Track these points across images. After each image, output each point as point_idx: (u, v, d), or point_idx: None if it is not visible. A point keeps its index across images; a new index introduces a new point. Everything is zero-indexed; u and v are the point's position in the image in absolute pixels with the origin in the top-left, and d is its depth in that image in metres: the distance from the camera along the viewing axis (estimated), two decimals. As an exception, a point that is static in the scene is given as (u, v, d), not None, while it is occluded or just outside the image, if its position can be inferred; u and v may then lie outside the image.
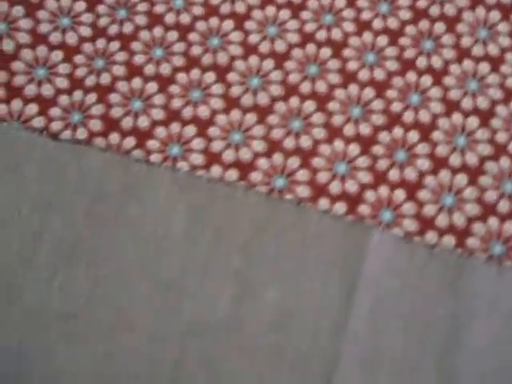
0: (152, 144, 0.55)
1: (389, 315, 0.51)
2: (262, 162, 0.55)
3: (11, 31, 0.58)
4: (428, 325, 0.51)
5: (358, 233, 0.53)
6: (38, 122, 0.55)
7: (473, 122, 0.57)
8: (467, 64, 0.58)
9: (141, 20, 0.59)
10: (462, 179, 0.55)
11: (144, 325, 0.50)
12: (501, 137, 0.56)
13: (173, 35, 0.59)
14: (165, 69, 0.58)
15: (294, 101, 0.57)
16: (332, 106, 0.57)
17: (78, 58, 0.57)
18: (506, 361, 0.49)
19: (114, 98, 0.56)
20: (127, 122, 0.56)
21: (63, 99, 0.56)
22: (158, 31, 0.59)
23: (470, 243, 0.53)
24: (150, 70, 0.57)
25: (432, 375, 0.50)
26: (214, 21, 0.60)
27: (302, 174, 0.55)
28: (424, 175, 0.55)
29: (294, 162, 0.55)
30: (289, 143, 0.56)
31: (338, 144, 0.56)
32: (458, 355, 0.50)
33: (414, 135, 0.56)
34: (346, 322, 0.51)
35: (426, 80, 0.58)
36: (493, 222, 0.54)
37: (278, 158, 0.55)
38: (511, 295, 0.51)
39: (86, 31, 0.58)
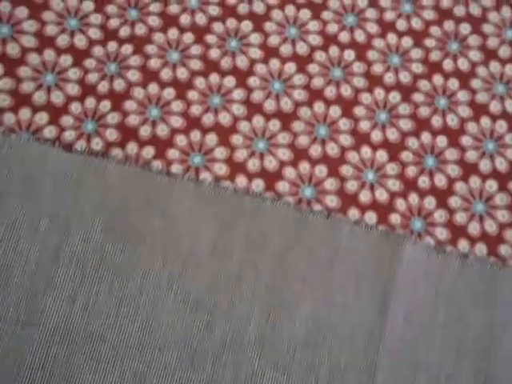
0: (172, 154, 0.55)
1: (424, 326, 0.52)
2: (289, 171, 0.56)
3: (15, 34, 0.57)
4: (463, 334, 0.52)
5: (390, 243, 0.53)
6: (49, 132, 0.54)
7: (502, 126, 0.58)
8: (494, 66, 0.60)
9: (154, 21, 0.59)
10: (491, 185, 0.57)
11: (174, 343, 0.50)
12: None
13: (189, 37, 0.59)
14: (182, 73, 0.57)
15: (319, 106, 0.57)
16: (358, 111, 0.58)
17: (89, 63, 0.57)
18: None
19: (129, 105, 0.56)
20: (145, 131, 0.55)
21: (75, 107, 0.56)
22: (172, 33, 0.59)
23: (502, 251, 0.55)
24: (166, 74, 0.57)
25: (468, 381, 0.51)
26: (231, 22, 0.60)
27: (330, 183, 0.55)
28: (454, 182, 0.56)
29: (321, 170, 0.56)
30: (315, 151, 0.56)
31: (366, 151, 0.57)
32: (494, 364, 0.51)
33: (442, 140, 0.57)
34: (381, 335, 0.51)
35: (453, 83, 0.59)
36: (523, 228, 0.56)
37: (304, 166, 0.56)
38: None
39: (95, 34, 0.58)
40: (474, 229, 0.54)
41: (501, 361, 0.51)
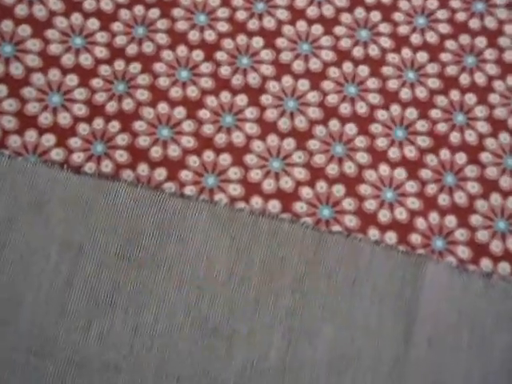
0: (185, 175, 0.58)
1: (448, 349, 0.56)
2: (306, 191, 0.59)
3: (18, 53, 0.60)
4: (489, 358, 0.56)
5: (412, 263, 0.57)
6: (57, 155, 0.58)
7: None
8: (511, 80, 0.64)
9: (162, 39, 0.63)
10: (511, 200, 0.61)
11: (193, 373, 0.52)
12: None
13: (198, 54, 0.62)
14: (192, 92, 0.61)
15: (334, 123, 0.61)
16: (374, 127, 0.61)
17: (96, 82, 0.60)
18: None
19: (139, 125, 0.59)
20: (156, 152, 0.59)
21: (82, 128, 0.59)
22: (181, 50, 0.62)
23: (526, 269, 0.59)
24: (176, 92, 0.61)
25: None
26: (241, 38, 0.63)
27: (349, 203, 0.59)
28: (474, 199, 0.60)
29: (338, 189, 0.59)
30: (332, 170, 0.60)
31: (384, 169, 0.61)
32: (520, 387, 0.55)
33: (461, 157, 0.61)
34: (405, 358, 0.55)
35: (470, 98, 0.63)
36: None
37: (321, 185, 0.60)
38: None
39: (101, 52, 0.61)
40: (496, 247, 0.58)
41: (528, 383, 0.55)
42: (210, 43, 0.62)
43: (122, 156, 0.58)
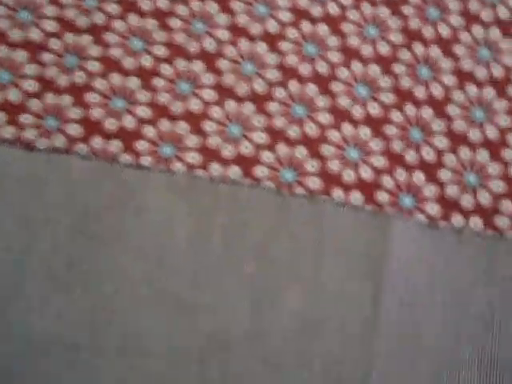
0: (141, 145, 0.57)
1: (421, 308, 0.54)
2: (266, 155, 0.58)
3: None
4: (464, 315, 0.54)
5: (379, 223, 0.56)
6: (8, 132, 0.57)
7: (489, 92, 0.61)
8: None
9: (114, 9, 0.62)
10: (483, 155, 0.59)
11: (157, 347, 0.52)
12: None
13: (153, 23, 0.61)
14: (145, 60, 0.59)
15: (294, 84, 0.59)
16: (336, 86, 0.59)
17: (46, 57, 0.59)
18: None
19: (92, 97, 0.58)
20: (111, 124, 0.58)
21: (34, 103, 0.58)
22: (134, 20, 0.61)
23: (499, 223, 0.57)
24: (129, 62, 0.59)
25: (472, 363, 0.53)
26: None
27: (312, 165, 0.58)
28: (443, 154, 0.59)
29: (300, 151, 0.58)
30: (293, 132, 0.58)
31: (347, 128, 0.59)
32: (497, 343, 0.54)
33: (427, 111, 0.60)
34: (376, 320, 0.53)
35: (435, 51, 0.62)
36: (520, 197, 0.58)
37: (283, 148, 0.58)
38: (550, 276, 0.56)
39: (50, 26, 0.60)
40: (467, 202, 0.57)
41: (505, 339, 0.53)
42: (163, 11, 0.61)
43: (75, 129, 0.57)
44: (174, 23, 0.60)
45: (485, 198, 0.57)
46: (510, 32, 0.62)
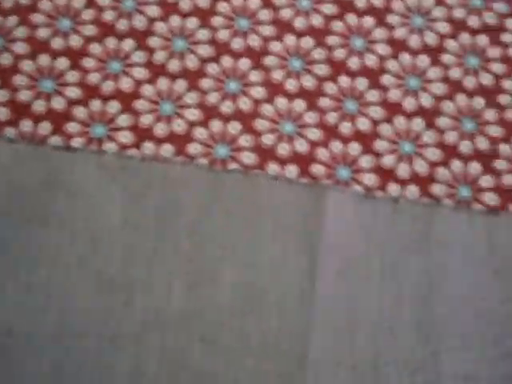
0: (71, 127, 0.56)
1: (358, 279, 0.55)
2: (199, 132, 0.58)
3: None
4: (401, 283, 0.55)
5: (314, 195, 0.56)
6: None
7: (423, 60, 0.61)
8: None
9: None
10: (418, 123, 0.59)
11: (92, 328, 0.51)
12: (454, 75, 0.61)
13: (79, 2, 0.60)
14: (74, 40, 0.59)
15: (227, 60, 0.59)
16: (270, 60, 0.59)
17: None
18: (481, 307, 0.54)
19: (20, 80, 0.57)
20: (40, 105, 0.57)
21: (-40, 89, 0.57)
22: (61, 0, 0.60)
23: (435, 190, 0.58)
24: (57, 43, 0.58)
25: (411, 330, 0.53)
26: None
27: (245, 140, 0.58)
28: (378, 124, 0.59)
29: (234, 126, 0.58)
30: (227, 108, 0.58)
31: (281, 101, 0.59)
32: (435, 310, 0.54)
33: (361, 82, 0.60)
34: (313, 293, 0.53)
35: (367, 21, 0.62)
36: (456, 164, 0.59)
37: (216, 124, 0.58)
38: (483, 240, 0.56)
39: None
40: (403, 170, 0.57)
41: (441, 305, 0.54)
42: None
43: (2, 113, 0.56)
44: (103, 1, 0.60)
45: (421, 166, 0.57)
46: (444, 2, 0.62)
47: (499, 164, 0.58)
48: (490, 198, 0.56)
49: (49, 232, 0.53)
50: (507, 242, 0.56)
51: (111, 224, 0.53)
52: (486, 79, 0.60)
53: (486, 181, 0.57)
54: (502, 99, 0.59)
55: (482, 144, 0.58)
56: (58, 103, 0.56)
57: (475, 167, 0.57)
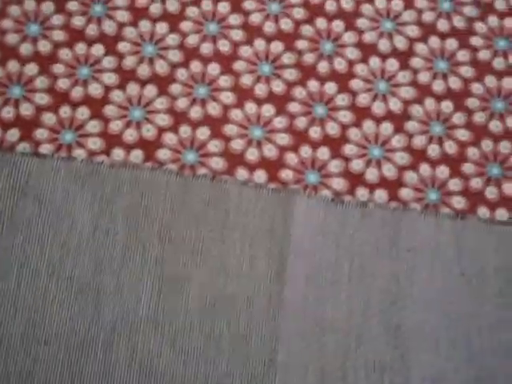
0: (40, 134, 0.56)
1: (327, 283, 0.55)
2: (169, 137, 0.58)
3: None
4: (370, 288, 0.55)
5: (282, 200, 0.56)
6: None
7: (393, 64, 0.62)
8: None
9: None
10: (387, 128, 0.60)
11: (60, 335, 0.52)
12: (423, 79, 0.61)
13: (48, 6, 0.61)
14: (44, 46, 0.59)
15: (196, 65, 0.59)
16: (239, 65, 0.60)
17: None
18: (449, 311, 0.54)
19: (-12, 86, 0.57)
20: (7, 112, 0.56)
21: None
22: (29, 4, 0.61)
23: (403, 194, 0.58)
24: (25, 48, 0.59)
25: (379, 334, 0.54)
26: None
27: (215, 145, 0.58)
28: (347, 128, 0.59)
29: (203, 132, 0.58)
30: (195, 113, 0.58)
31: (250, 106, 0.59)
32: (403, 314, 0.55)
33: (330, 86, 0.60)
34: (281, 297, 0.54)
35: (338, 25, 0.62)
36: (424, 168, 0.59)
37: (185, 130, 0.58)
38: (451, 244, 0.57)
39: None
40: (371, 174, 0.58)
41: (409, 309, 0.55)
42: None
43: (-29, 120, 0.56)
44: (72, 6, 0.60)
45: (389, 171, 0.58)
46: (413, 6, 0.63)
47: (467, 168, 0.58)
48: (458, 202, 0.57)
49: (17, 239, 0.53)
50: (475, 245, 0.56)
51: (81, 230, 0.54)
52: (455, 83, 0.60)
53: (455, 184, 0.58)
54: (470, 103, 0.60)
55: (451, 147, 0.59)
56: (26, 109, 0.56)
57: (443, 171, 0.58)
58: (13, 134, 0.55)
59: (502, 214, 0.57)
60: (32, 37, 0.58)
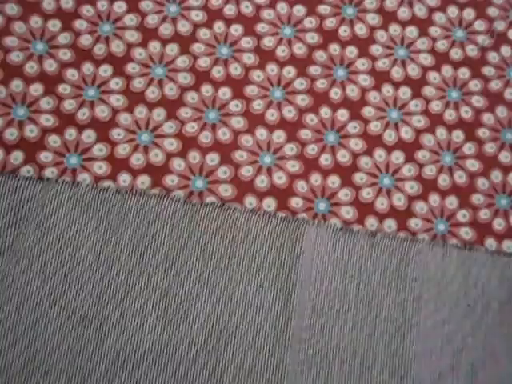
0: (45, 157, 0.52)
1: (333, 313, 0.51)
2: (177, 163, 0.53)
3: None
4: (376, 317, 0.51)
5: (291, 229, 0.52)
6: None
7: (406, 92, 0.57)
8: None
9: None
10: (398, 157, 0.56)
11: (61, 366, 0.47)
12: (435, 108, 0.58)
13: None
14: (51, 66, 0.54)
15: (207, 89, 0.54)
16: (250, 90, 0.55)
17: None
18: (454, 342, 0.50)
19: (-8, 106, 0.52)
20: (11, 134, 0.52)
21: None
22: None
23: (412, 224, 0.54)
24: (31, 68, 0.54)
25: (385, 364, 0.50)
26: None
27: (224, 172, 0.53)
28: (357, 156, 0.55)
29: (213, 158, 0.54)
30: (205, 138, 0.53)
31: (261, 132, 0.55)
32: (408, 344, 0.50)
33: (343, 114, 0.56)
34: (288, 329, 0.50)
35: (352, 51, 0.58)
36: (434, 198, 0.55)
37: (194, 155, 0.54)
38: (457, 276, 0.53)
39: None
40: (381, 204, 0.53)
41: (415, 340, 0.50)
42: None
43: (-28, 141, 0.51)
44: (80, 25, 0.55)
45: (399, 200, 0.54)
46: (427, 32, 0.59)
47: (476, 198, 0.54)
48: (466, 233, 0.53)
49: (18, 266, 0.48)
50: (482, 276, 0.53)
51: (84, 259, 0.49)
52: (467, 113, 0.56)
53: (463, 215, 0.54)
54: (481, 133, 0.56)
55: (461, 178, 0.55)
56: (30, 131, 0.52)
57: (452, 202, 0.54)
58: (16, 157, 0.50)
59: (509, 245, 0.53)
60: (38, 55, 0.53)
